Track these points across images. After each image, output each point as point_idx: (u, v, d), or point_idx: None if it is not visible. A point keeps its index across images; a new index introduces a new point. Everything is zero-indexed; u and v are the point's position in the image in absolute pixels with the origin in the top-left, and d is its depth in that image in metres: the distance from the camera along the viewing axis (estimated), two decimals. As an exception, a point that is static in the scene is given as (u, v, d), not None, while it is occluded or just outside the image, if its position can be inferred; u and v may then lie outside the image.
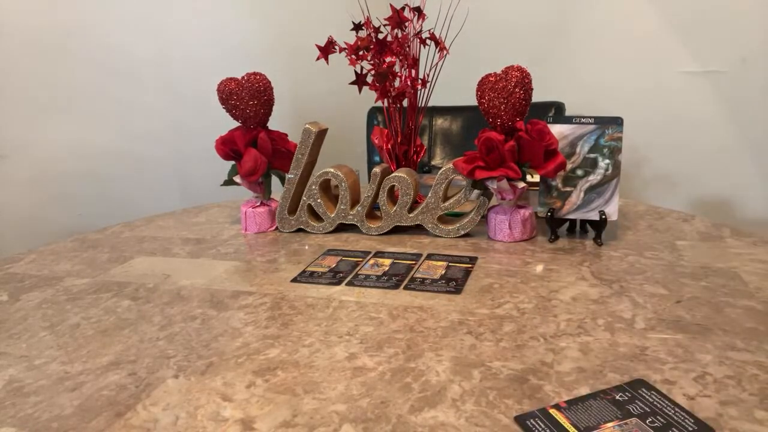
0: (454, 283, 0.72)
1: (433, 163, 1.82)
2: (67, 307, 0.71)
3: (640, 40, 1.86)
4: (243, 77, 0.96)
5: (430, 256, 0.83)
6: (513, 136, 0.85)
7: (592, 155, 0.87)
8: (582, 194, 0.87)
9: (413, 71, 0.98)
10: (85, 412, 0.48)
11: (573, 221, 0.91)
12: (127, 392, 0.50)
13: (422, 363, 0.53)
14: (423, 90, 1.00)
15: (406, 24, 0.96)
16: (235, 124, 0.99)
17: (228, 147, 0.97)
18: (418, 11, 0.98)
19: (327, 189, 0.99)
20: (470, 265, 0.78)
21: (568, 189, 0.88)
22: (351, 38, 0.96)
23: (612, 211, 0.86)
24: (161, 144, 1.79)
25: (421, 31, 0.97)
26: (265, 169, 0.98)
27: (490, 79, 0.84)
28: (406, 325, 0.61)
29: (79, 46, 1.62)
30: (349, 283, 0.74)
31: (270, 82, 0.97)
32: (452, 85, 1.23)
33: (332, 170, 0.95)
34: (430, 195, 0.91)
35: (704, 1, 1.73)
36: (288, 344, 0.58)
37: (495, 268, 0.77)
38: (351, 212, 0.96)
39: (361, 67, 0.97)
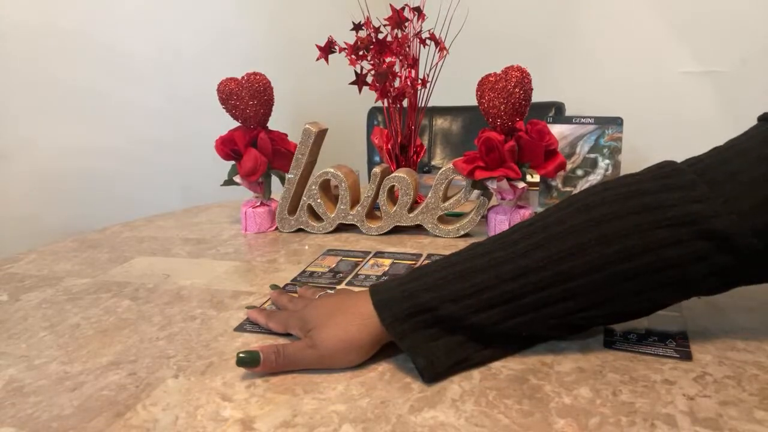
0: (454, 283, 0.72)
1: (433, 163, 1.82)
2: (67, 307, 0.71)
3: (640, 40, 1.86)
4: (243, 77, 0.96)
5: (430, 256, 0.83)
6: (513, 136, 0.85)
7: (592, 155, 0.87)
8: (582, 194, 0.88)
9: (413, 71, 0.98)
10: (85, 412, 0.48)
11: (573, 221, 0.91)
12: (127, 392, 0.50)
13: (422, 363, 0.52)
14: (423, 90, 1.00)
15: (406, 24, 0.96)
16: (235, 124, 0.99)
17: (228, 147, 0.97)
18: (418, 11, 0.98)
19: (327, 189, 0.99)
20: (470, 265, 0.78)
21: (568, 189, 0.88)
22: (351, 38, 0.96)
23: (612, 211, 0.86)
24: (161, 144, 1.79)
25: (421, 31, 0.97)
26: (265, 169, 0.98)
27: (490, 79, 0.84)
28: (406, 325, 0.61)
29: (79, 46, 1.62)
30: (349, 283, 0.74)
31: (270, 82, 0.97)
32: (452, 85, 1.23)
33: (332, 170, 0.95)
34: (430, 195, 0.91)
35: (704, 1, 1.73)
36: (288, 344, 0.58)
37: (495, 268, 0.77)
38: (351, 212, 0.96)
39: (361, 67, 0.97)
